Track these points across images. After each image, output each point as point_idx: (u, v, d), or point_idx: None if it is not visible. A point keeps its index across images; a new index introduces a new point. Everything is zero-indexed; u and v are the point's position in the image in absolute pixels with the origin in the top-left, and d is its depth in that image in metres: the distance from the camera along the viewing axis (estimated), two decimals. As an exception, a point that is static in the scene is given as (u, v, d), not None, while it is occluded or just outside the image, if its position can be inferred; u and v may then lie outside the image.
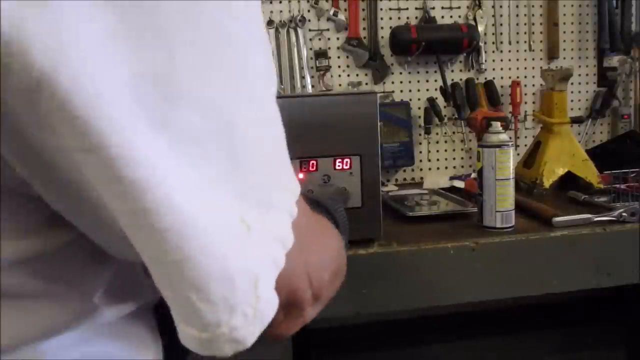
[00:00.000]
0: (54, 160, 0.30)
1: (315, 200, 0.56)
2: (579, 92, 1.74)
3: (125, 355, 0.42)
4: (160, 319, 0.46)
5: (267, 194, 0.37)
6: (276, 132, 0.38)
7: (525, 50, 1.70)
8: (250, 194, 0.35)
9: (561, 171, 1.35)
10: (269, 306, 0.35)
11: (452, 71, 1.66)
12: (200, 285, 0.32)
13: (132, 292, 0.43)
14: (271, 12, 1.57)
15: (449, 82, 1.59)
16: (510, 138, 1.13)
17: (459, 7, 1.65)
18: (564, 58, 1.71)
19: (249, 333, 0.34)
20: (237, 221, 0.34)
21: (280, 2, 1.57)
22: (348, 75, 1.62)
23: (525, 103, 1.70)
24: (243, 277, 0.33)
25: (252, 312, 0.34)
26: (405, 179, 1.67)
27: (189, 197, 0.31)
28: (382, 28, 1.62)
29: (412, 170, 1.67)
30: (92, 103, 0.27)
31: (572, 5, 1.71)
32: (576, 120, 1.51)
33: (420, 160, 1.67)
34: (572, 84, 1.68)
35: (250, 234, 0.34)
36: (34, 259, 0.35)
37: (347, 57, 1.62)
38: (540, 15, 1.70)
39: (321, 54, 1.59)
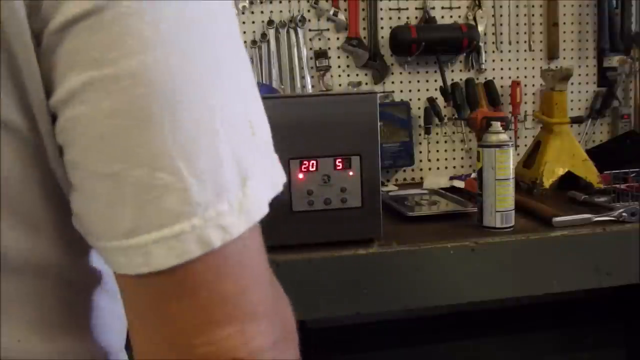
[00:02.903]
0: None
1: None
2: (579, 92, 1.74)
3: None
4: None
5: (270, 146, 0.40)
6: None
7: (525, 50, 1.70)
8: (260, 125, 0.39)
9: (561, 171, 1.35)
10: (255, 208, 0.36)
11: (452, 71, 1.66)
12: (190, 155, 0.33)
13: None
14: (271, 12, 1.57)
15: (449, 82, 1.59)
16: (510, 138, 1.13)
17: (459, 7, 1.65)
18: (564, 58, 1.71)
19: (234, 223, 0.34)
20: (244, 119, 0.36)
21: (280, 2, 1.57)
22: (348, 75, 1.62)
23: (525, 103, 1.70)
24: (232, 166, 0.34)
25: (238, 205, 0.34)
26: (405, 179, 1.67)
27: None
28: (382, 28, 1.62)
29: (412, 170, 1.67)
30: None
31: (572, 5, 1.71)
32: (576, 120, 1.51)
33: (420, 160, 1.67)
34: (572, 84, 1.68)
35: (253, 138, 0.36)
36: None
37: (347, 57, 1.62)
38: (540, 15, 1.70)
39: (321, 54, 1.59)
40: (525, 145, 1.58)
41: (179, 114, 0.33)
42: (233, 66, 0.36)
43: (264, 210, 0.36)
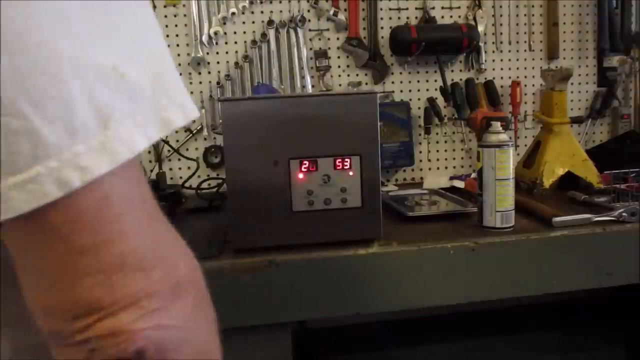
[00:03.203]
0: None
1: None
2: (579, 92, 1.74)
3: None
4: None
5: (173, 83, 0.39)
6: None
7: (525, 50, 1.70)
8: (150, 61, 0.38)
9: (561, 171, 1.35)
10: (122, 148, 0.35)
11: (452, 71, 1.67)
12: (38, 101, 0.33)
13: None
14: (271, 12, 1.57)
15: (449, 82, 1.59)
16: (510, 138, 1.13)
17: (459, 7, 1.65)
18: (564, 58, 1.71)
19: (95, 163, 0.34)
20: (105, 64, 0.35)
21: (280, 2, 1.57)
22: (348, 75, 1.62)
23: (525, 103, 1.70)
24: (88, 109, 0.34)
25: (98, 145, 0.34)
26: (405, 179, 1.67)
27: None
28: (382, 28, 1.62)
29: (412, 170, 1.67)
30: None
31: (572, 5, 1.71)
32: (576, 120, 1.51)
33: (420, 160, 1.67)
34: (572, 84, 1.68)
35: (120, 81, 0.35)
36: None
37: (347, 57, 1.62)
38: (540, 15, 1.70)
39: (321, 54, 1.59)
40: (525, 145, 1.58)
41: (21, 61, 0.32)
42: (89, 13, 0.36)
43: (135, 150, 0.36)
